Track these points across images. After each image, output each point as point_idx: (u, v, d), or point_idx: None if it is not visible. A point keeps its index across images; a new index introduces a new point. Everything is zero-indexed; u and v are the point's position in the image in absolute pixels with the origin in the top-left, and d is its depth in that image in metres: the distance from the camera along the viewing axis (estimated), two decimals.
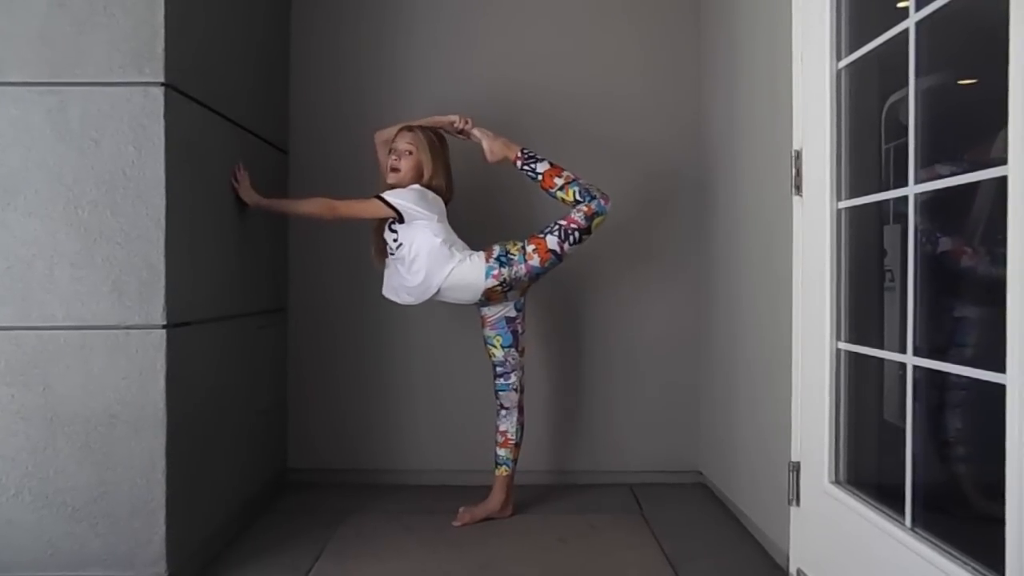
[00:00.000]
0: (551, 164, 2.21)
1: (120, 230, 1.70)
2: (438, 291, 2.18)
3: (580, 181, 2.19)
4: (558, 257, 2.18)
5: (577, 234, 2.16)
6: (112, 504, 1.70)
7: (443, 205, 2.21)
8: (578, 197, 2.16)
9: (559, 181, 2.18)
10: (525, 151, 2.23)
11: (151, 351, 1.71)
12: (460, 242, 2.22)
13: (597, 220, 2.17)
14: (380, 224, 2.22)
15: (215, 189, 2.02)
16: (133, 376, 1.70)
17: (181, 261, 1.78)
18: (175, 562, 1.74)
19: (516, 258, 2.17)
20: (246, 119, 2.23)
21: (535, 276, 2.21)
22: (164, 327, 1.71)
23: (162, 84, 1.70)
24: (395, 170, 2.20)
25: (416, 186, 2.17)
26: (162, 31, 1.70)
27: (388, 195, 2.12)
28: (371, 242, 2.28)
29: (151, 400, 1.70)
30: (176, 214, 1.75)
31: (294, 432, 2.71)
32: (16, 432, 1.69)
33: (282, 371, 2.65)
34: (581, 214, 2.16)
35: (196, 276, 1.88)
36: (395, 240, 2.17)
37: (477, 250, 2.21)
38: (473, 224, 2.40)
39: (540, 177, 2.20)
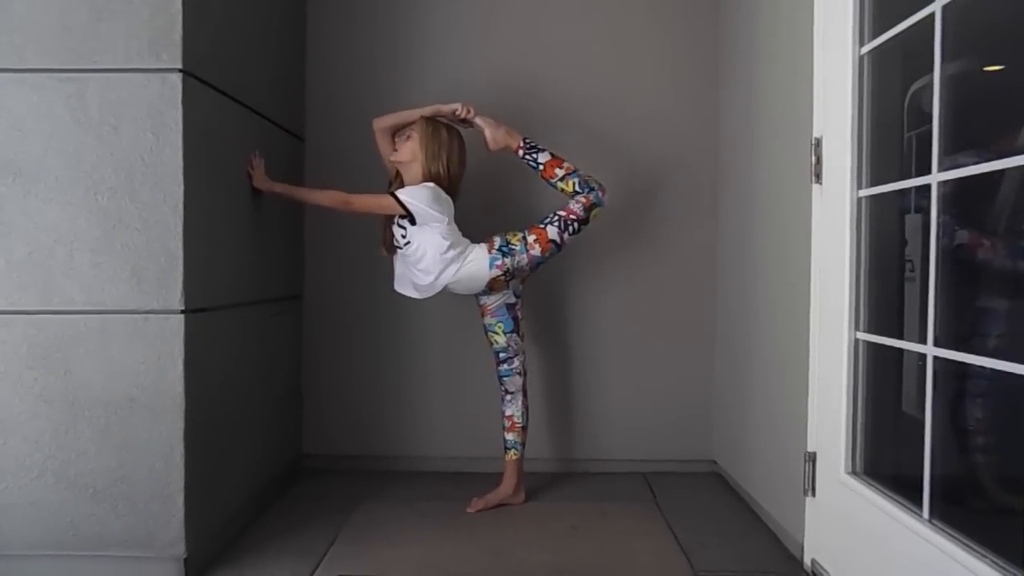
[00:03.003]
0: (552, 155, 2.24)
1: (139, 216, 1.72)
2: (444, 287, 2.22)
3: (579, 172, 2.23)
4: (558, 247, 2.22)
5: (576, 225, 2.20)
6: (132, 487, 1.73)
7: (452, 205, 2.20)
8: (577, 188, 2.21)
9: (560, 172, 2.22)
10: (527, 140, 2.26)
11: (169, 336, 1.72)
12: (464, 240, 2.23)
13: (595, 211, 2.22)
14: (389, 216, 2.22)
15: (232, 175, 2.03)
16: (152, 361, 1.72)
17: (198, 247, 1.79)
18: (193, 544, 1.77)
19: (518, 248, 2.20)
20: (263, 106, 2.23)
21: (536, 265, 2.25)
22: (182, 313, 1.73)
23: (180, 71, 1.71)
24: (395, 150, 2.24)
25: (430, 184, 2.16)
26: (179, 18, 1.70)
27: (402, 194, 2.12)
28: (379, 233, 2.29)
29: (169, 385, 1.72)
30: (194, 200, 1.76)
31: (309, 418, 2.73)
32: (39, 415, 1.72)
33: (297, 358, 2.67)
34: (580, 205, 2.20)
35: (213, 262, 1.89)
36: (403, 236, 2.18)
37: (477, 241, 2.23)
38: (473, 213, 2.38)
39: (541, 167, 2.23)
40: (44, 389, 1.72)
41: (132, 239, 1.72)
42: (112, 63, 1.71)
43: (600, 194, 2.21)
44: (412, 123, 2.23)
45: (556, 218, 2.21)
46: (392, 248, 2.25)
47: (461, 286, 2.23)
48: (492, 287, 2.24)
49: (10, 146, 1.71)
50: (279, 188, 2.17)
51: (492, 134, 2.26)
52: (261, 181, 2.13)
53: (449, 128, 2.24)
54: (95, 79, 1.71)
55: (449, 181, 2.20)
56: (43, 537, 1.73)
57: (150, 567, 1.74)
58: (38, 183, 1.71)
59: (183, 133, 1.71)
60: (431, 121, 2.21)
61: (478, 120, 2.27)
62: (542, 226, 2.21)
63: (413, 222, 2.13)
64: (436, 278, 2.18)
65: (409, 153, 2.20)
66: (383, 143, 2.29)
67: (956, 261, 1.55)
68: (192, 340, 1.75)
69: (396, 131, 2.28)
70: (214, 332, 1.89)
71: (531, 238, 2.21)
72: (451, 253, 2.16)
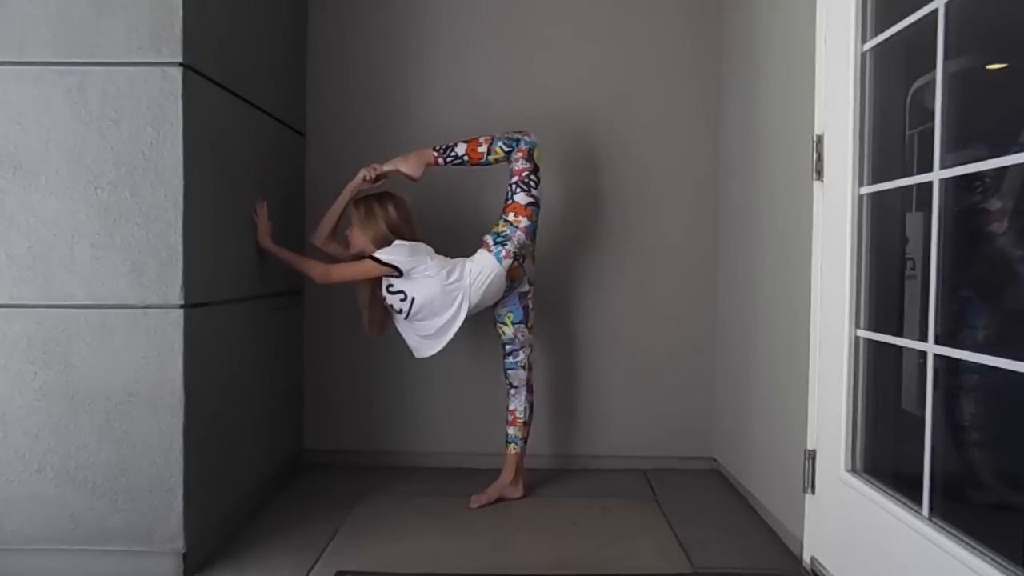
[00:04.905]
0: (465, 141, 2.25)
1: (139, 210, 1.71)
2: (471, 307, 2.22)
3: (496, 136, 2.25)
4: (536, 204, 2.24)
5: (533, 176, 2.24)
6: (132, 480, 1.73)
7: (425, 244, 2.22)
8: (507, 148, 2.23)
9: (483, 149, 2.24)
10: (437, 147, 2.26)
11: (169, 331, 1.72)
12: (456, 260, 2.23)
13: (536, 153, 2.25)
14: (372, 297, 2.24)
15: (232, 170, 2.03)
16: (151, 355, 1.72)
17: (199, 242, 1.79)
18: (192, 539, 1.77)
19: (508, 231, 2.22)
20: (263, 100, 2.23)
21: (533, 233, 2.27)
22: (182, 307, 1.73)
23: (180, 64, 1.70)
24: (349, 244, 2.26)
25: (398, 240, 2.18)
26: (180, 11, 1.70)
27: (380, 254, 2.14)
28: (364, 313, 2.29)
29: (169, 379, 1.72)
30: (194, 195, 1.76)
31: (309, 413, 2.73)
32: (39, 409, 1.72)
33: (298, 353, 2.67)
34: (520, 160, 2.23)
35: (214, 257, 1.89)
36: (402, 300, 2.18)
37: (470, 255, 2.24)
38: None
39: (466, 158, 2.25)
40: (44, 383, 1.72)
41: (132, 233, 1.72)
42: (112, 56, 1.70)
43: (527, 137, 2.24)
44: (343, 212, 2.29)
45: (515, 186, 2.23)
46: (383, 325, 2.29)
47: (487, 296, 2.23)
48: (513, 277, 2.25)
49: (10, 139, 1.71)
50: (275, 249, 2.17)
51: (406, 168, 2.26)
52: (264, 239, 2.15)
53: (379, 196, 2.25)
54: (95, 72, 1.71)
55: (403, 237, 2.21)
56: (43, 531, 1.73)
57: (150, 561, 1.75)
58: (38, 177, 1.71)
59: (183, 127, 1.71)
60: (358, 202, 2.25)
61: (387, 168, 2.27)
62: (511, 201, 2.23)
63: (401, 273, 2.15)
64: (461, 302, 2.19)
65: (359, 241, 2.23)
66: (334, 249, 2.32)
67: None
68: (192, 335, 1.75)
69: (334, 232, 2.32)
70: (214, 327, 1.89)
71: (511, 216, 2.22)
72: (453, 276, 2.17)
